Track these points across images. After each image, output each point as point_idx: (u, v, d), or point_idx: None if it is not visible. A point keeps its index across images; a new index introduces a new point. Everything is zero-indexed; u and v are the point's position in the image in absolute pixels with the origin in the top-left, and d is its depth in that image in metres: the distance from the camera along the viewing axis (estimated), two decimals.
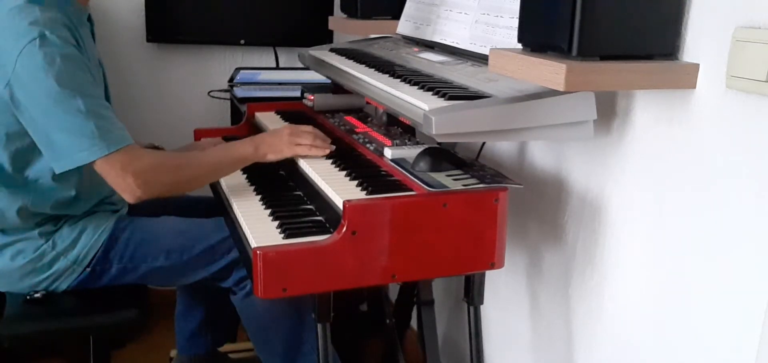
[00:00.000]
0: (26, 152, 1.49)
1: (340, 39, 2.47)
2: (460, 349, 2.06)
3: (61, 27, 1.42)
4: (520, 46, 1.18)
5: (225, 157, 1.57)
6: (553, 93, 1.17)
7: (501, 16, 1.47)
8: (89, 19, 1.62)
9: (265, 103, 2.06)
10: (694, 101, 1.13)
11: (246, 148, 1.56)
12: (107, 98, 1.62)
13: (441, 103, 1.25)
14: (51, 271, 1.56)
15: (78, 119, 1.39)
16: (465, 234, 1.27)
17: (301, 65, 2.06)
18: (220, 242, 1.59)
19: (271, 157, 1.56)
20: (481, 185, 1.29)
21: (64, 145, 1.40)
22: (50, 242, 1.56)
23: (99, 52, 1.66)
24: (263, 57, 2.76)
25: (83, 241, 1.57)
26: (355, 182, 1.35)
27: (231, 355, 2.11)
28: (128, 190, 1.44)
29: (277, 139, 1.57)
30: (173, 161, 1.53)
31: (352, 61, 1.75)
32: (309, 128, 1.59)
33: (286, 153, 1.56)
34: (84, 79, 1.42)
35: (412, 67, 1.59)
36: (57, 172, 1.44)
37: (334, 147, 1.56)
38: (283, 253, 1.19)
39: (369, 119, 1.82)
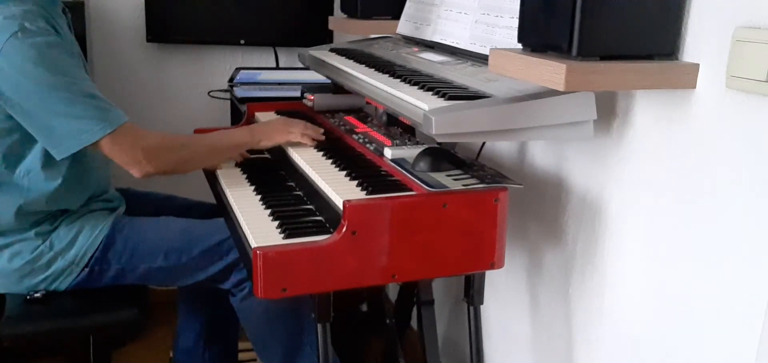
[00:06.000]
0: (16, 148, 1.49)
1: (340, 39, 2.47)
2: (460, 349, 2.05)
3: (38, 18, 1.43)
4: (520, 46, 1.18)
5: (223, 141, 1.64)
6: (553, 93, 1.16)
7: (501, 16, 1.47)
8: (64, 11, 1.61)
9: (265, 103, 2.06)
10: (694, 101, 1.13)
11: (243, 134, 1.65)
12: None
13: (441, 103, 1.24)
14: (49, 272, 1.56)
15: (76, 102, 1.41)
16: (465, 234, 1.27)
17: (301, 65, 2.06)
18: (220, 244, 1.59)
19: (264, 143, 1.63)
20: (481, 185, 1.29)
21: (66, 129, 1.42)
22: (47, 243, 1.55)
23: (98, 52, 1.67)
24: (263, 57, 2.76)
25: (80, 241, 1.57)
26: (355, 182, 1.34)
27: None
28: (137, 165, 1.47)
29: (270, 127, 1.65)
30: (177, 140, 1.59)
31: (352, 61, 1.75)
32: (301, 121, 1.66)
33: (277, 139, 1.63)
34: (72, 63, 1.44)
35: (412, 67, 1.59)
36: (58, 158, 1.45)
37: (324, 137, 1.63)
38: (282, 253, 1.19)
39: (369, 119, 1.82)
